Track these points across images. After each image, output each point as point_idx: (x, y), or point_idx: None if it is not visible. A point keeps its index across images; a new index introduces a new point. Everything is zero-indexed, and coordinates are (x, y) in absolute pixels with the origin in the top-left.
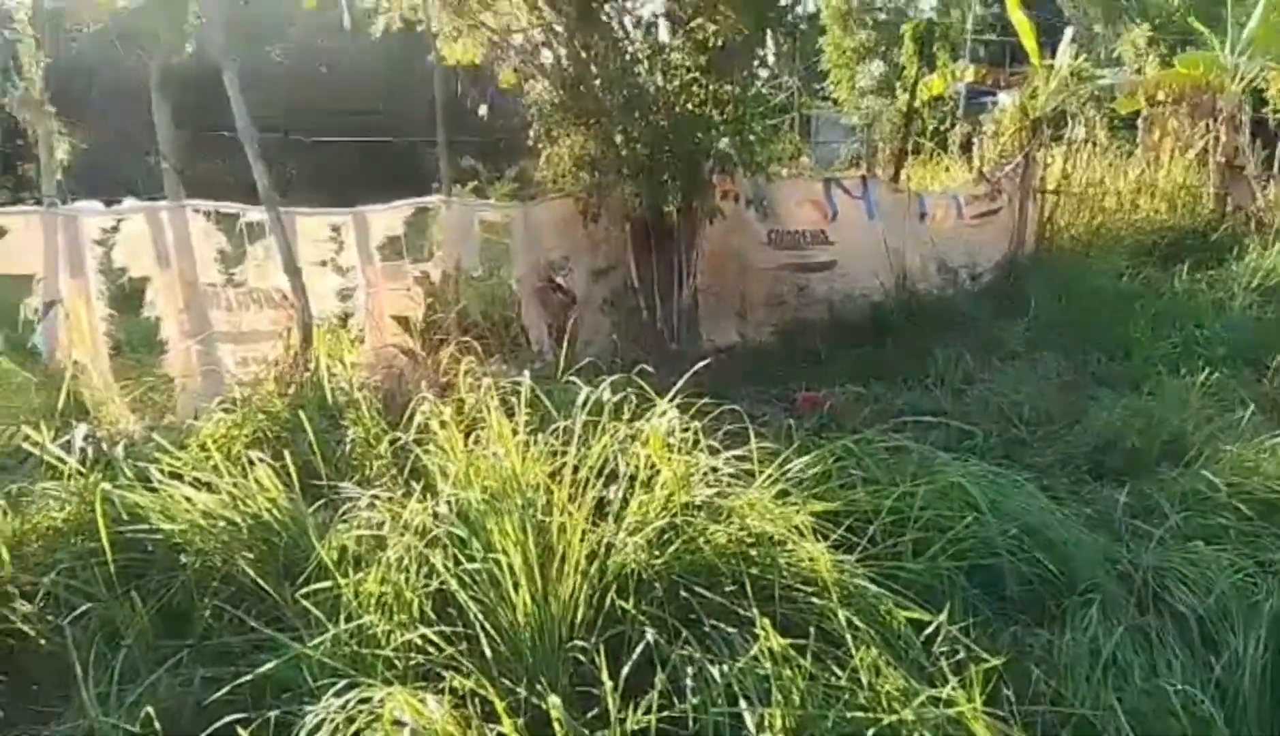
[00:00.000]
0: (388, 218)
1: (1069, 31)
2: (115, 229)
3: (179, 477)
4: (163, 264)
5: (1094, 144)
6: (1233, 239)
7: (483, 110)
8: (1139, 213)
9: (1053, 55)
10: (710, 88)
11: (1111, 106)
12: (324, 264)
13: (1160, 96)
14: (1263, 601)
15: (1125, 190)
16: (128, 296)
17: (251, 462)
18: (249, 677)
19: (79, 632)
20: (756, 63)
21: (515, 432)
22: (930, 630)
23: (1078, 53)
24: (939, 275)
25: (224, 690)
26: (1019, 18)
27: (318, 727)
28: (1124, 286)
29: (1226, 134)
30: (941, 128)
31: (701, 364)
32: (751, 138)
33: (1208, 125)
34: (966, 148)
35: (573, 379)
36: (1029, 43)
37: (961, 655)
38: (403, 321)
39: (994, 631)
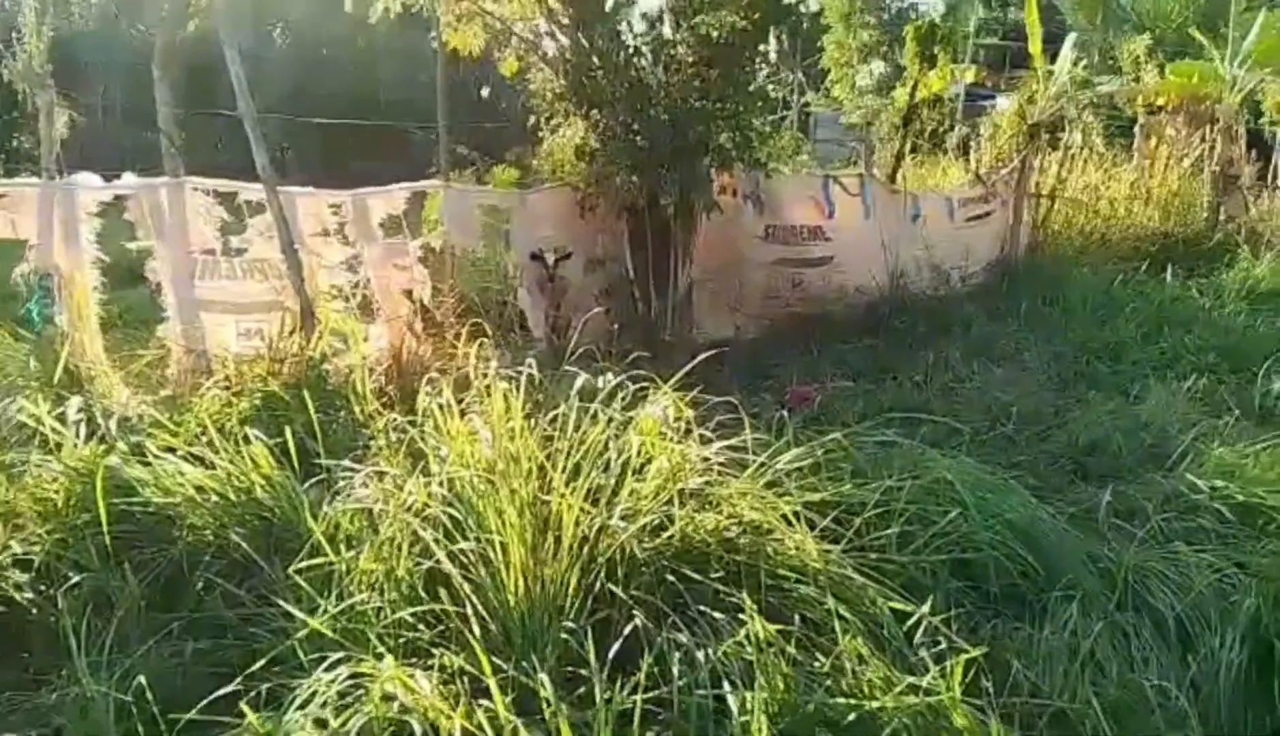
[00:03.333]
0: (386, 201)
1: (1071, 37)
2: (113, 203)
3: (173, 451)
4: (161, 238)
5: (1090, 150)
6: (1225, 248)
7: (485, 91)
8: (1133, 219)
9: (1053, 61)
10: (712, 82)
11: (1115, 109)
12: (326, 233)
13: (1158, 104)
14: (1240, 601)
15: (1120, 196)
16: (126, 270)
17: (246, 439)
18: (240, 650)
19: (71, 603)
20: (758, 59)
21: (511, 416)
22: (913, 621)
23: (1078, 59)
24: (930, 275)
25: (215, 662)
26: (1032, 20)
27: (309, 700)
28: (1115, 291)
29: (1222, 144)
30: (940, 129)
31: (700, 358)
32: (751, 133)
33: (1204, 135)
34: (964, 150)
35: (569, 368)
36: (1035, 46)
37: (943, 646)
38: (409, 294)
39: (975, 624)
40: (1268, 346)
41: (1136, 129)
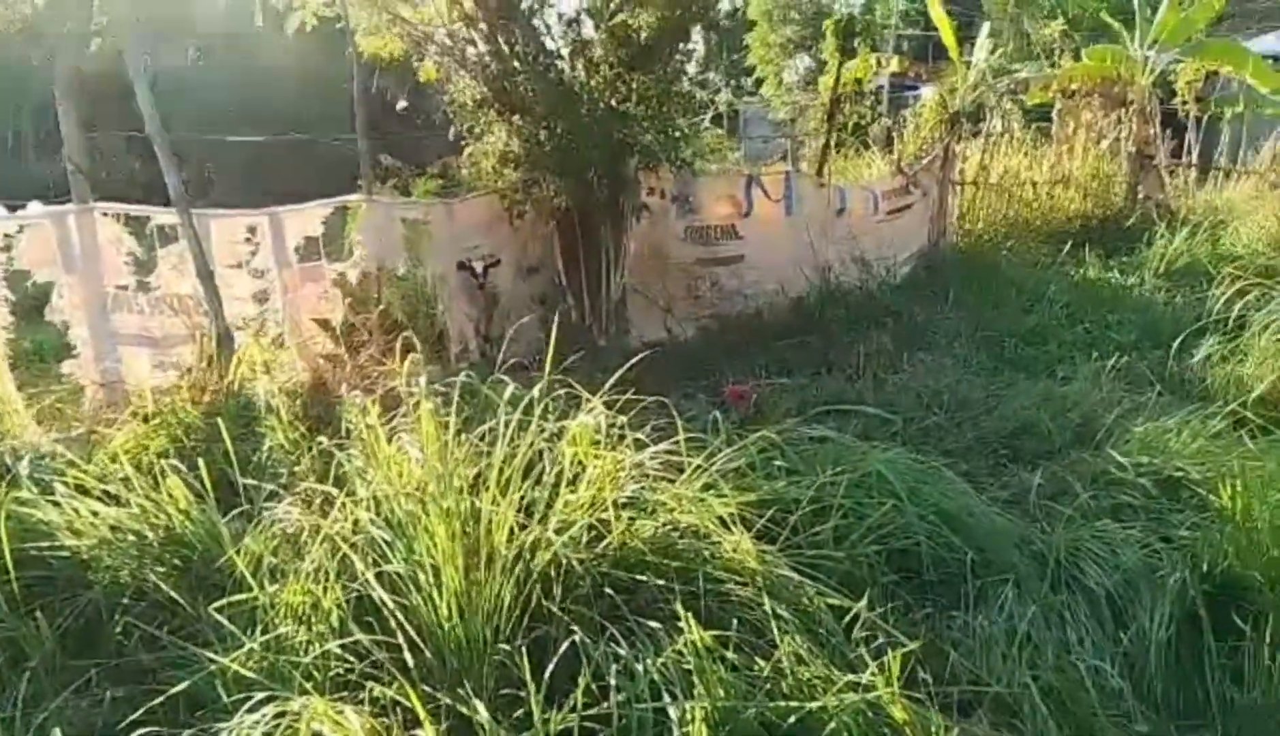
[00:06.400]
0: (305, 218)
1: (986, 26)
2: (18, 233)
3: (86, 491)
4: (70, 269)
5: (1010, 136)
6: (1143, 227)
7: (401, 105)
8: (1054, 202)
9: (972, 50)
10: (633, 83)
11: (1021, 99)
12: (240, 265)
13: (1074, 89)
14: (1167, 575)
15: (1041, 181)
16: (33, 304)
17: (163, 473)
18: (162, 696)
19: None
20: (681, 58)
21: (440, 433)
22: (850, 616)
23: (995, 47)
24: (858, 268)
25: (136, 710)
26: (939, 14)
27: None
28: (1040, 274)
29: (1137, 125)
30: (863, 122)
31: (634, 361)
32: (676, 133)
33: (1119, 117)
34: (888, 142)
35: (501, 377)
36: (948, 38)
37: (881, 640)
38: (323, 323)
39: (912, 615)
40: (1185, 321)
41: (1054, 114)
